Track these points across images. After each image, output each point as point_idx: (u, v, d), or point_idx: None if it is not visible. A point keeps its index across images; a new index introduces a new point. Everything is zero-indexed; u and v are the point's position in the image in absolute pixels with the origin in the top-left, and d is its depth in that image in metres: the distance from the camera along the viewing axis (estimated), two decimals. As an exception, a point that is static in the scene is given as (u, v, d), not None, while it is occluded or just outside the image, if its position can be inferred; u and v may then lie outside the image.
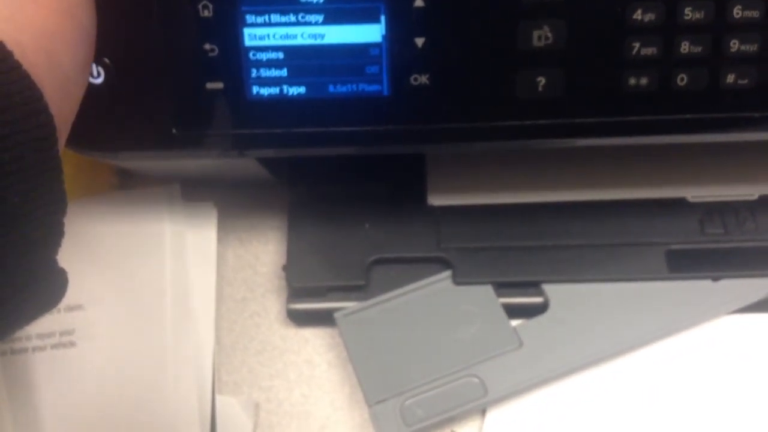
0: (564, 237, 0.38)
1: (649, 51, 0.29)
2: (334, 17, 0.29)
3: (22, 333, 0.36)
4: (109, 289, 0.37)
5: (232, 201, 0.41)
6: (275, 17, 0.29)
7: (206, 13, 0.29)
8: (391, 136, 0.31)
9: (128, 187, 0.40)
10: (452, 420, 0.35)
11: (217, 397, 0.36)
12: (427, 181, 0.40)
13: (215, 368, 0.37)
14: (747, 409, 0.36)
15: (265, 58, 0.30)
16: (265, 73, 0.30)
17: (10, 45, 0.21)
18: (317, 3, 0.29)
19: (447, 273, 0.38)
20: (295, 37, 0.30)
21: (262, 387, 0.38)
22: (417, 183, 0.40)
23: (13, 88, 0.21)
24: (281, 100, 0.30)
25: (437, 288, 0.38)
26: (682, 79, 0.30)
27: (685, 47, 0.29)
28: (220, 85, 0.30)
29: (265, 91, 0.30)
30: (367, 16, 0.29)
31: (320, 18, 0.29)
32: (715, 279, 0.37)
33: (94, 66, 0.30)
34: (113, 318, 0.36)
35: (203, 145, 0.31)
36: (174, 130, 0.30)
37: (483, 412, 0.36)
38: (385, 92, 0.30)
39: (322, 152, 0.32)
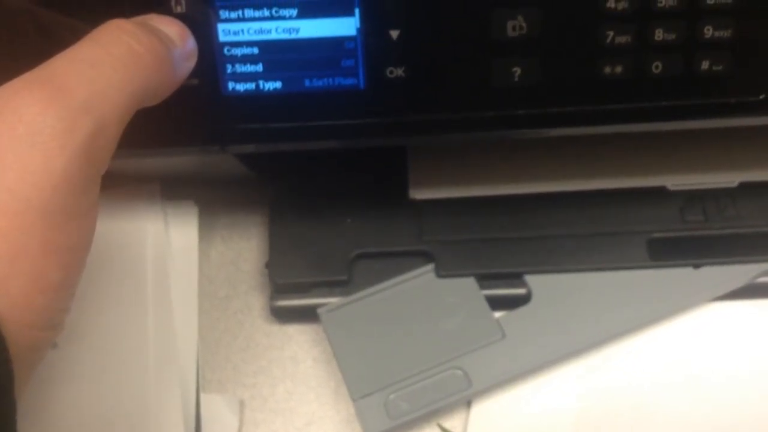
0: (546, 227, 0.38)
1: (623, 39, 0.29)
2: (308, 11, 0.29)
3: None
4: (90, 290, 0.37)
5: (213, 198, 0.41)
6: (249, 12, 0.29)
7: (179, 9, 0.29)
8: (368, 129, 0.31)
9: (107, 187, 0.40)
10: (437, 413, 0.35)
11: (202, 396, 0.36)
12: (409, 175, 0.40)
13: (199, 366, 0.37)
14: (729, 395, 0.36)
15: (240, 54, 0.30)
16: (240, 68, 0.30)
17: None
18: (291, -3, 0.29)
19: (430, 266, 0.38)
20: (269, 31, 0.30)
21: (247, 384, 0.38)
22: (398, 177, 0.40)
23: None
24: (257, 96, 0.30)
25: (420, 281, 0.38)
26: (657, 67, 0.30)
27: (659, 34, 0.29)
28: (195, 82, 0.30)
29: (241, 87, 0.30)
30: (341, 9, 0.29)
31: (294, 12, 0.29)
32: (697, 266, 0.37)
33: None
34: (95, 318, 0.36)
35: (179, 143, 0.31)
36: (149, 128, 0.30)
37: (468, 404, 0.36)
38: (362, 85, 0.30)
39: (300, 147, 0.32)
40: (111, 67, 0.25)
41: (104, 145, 0.24)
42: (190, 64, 0.28)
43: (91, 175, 0.24)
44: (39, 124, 0.23)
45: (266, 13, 0.29)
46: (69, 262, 0.24)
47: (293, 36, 0.30)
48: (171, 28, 0.28)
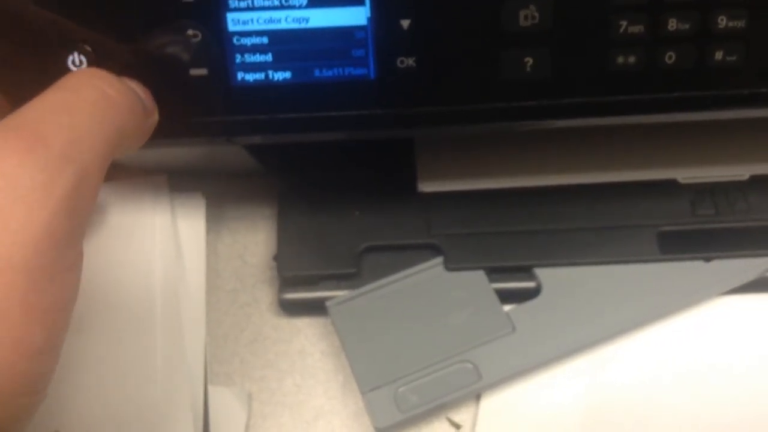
0: (555, 221, 0.38)
1: (636, 29, 0.29)
2: (318, 0, 0.29)
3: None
4: (98, 282, 0.36)
5: (220, 191, 0.41)
6: (259, 1, 0.29)
7: (188, -2, 0.29)
8: (378, 119, 0.31)
9: (116, 179, 0.40)
10: (447, 406, 0.35)
11: (210, 389, 0.36)
12: (417, 167, 0.40)
13: (207, 360, 0.37)
14: (739, 389, 0.36)
15: (249, 43, 0.30)
16: (249, 58, 0.30)
17: None
18: (301, -14, 0.29)
19: (438, 259, 0.38)
20: (279, 21, 0.29)
21: (255, 377, 0.37)
22: (407, 170, 0.40)
23: None
24: (267, 86, 0.30)
25: (429, 274, 0.37)
26: (670, 57, 0.30)
27: (672, 24, 0.29)
28: (204, 72, 0.30)
29: (250, 77, 0.30)
30: (351, -1, 0.29)
31: (304, 1, 0.29)
32: (707, 260, 0.37)
33: (76, 54, 0.29)
34: (102, 311, 0.36)
35: (188, 133, 0.31)
36: (158, 118, 0.30)
37: (477, 397, 0.36)
38: (372, 75, 0.30)
39: (309, 137, 0.32)
40: (86, 113, 0.24)
41: (87, 195, 0.23)
42: (154, 119, 0.28)
43: (74, 227, 0.23)
44: (18, 177, 0.21)
45: (276, 2, 0.29)
46: (53, 322, 0.23)
47: (303, 26, 0.29)
48: (133, 84, 0.28)
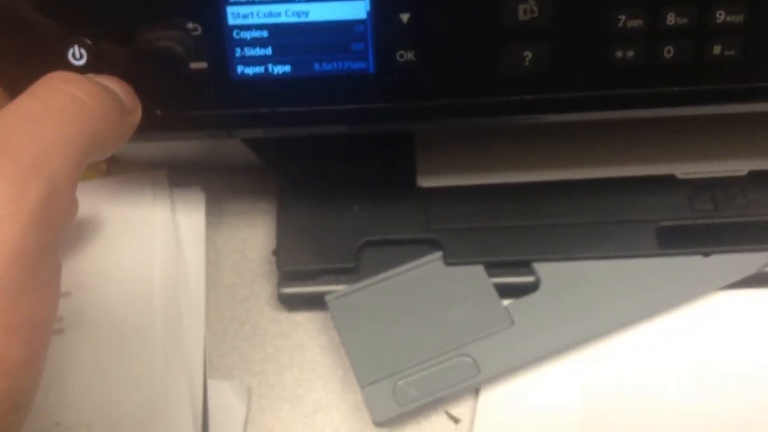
0: (554, 215, 0.38)
1: (635, 23, 0.29)
2: (318, -6, 0.29)
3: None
4: (98, 276, 0.37)
5: (220, 185, 0.41)
6: (258, -5, 0.29)
7: (188, -8, 0.29)
8: (377, 113, 0.31)
9: (116, 173, 0.40)
10: (445, 400, 0.35)
11: (209, 382, 0.36)
12: (417, 162, 0.40)
13: (206, 354, 0.37)
14: (737, 385, 0.36)
15: (249, 37, 0.30)
16: (249, 52, 0.30)
17: None
18: (301, -20, 0.29)
19: (438, 254, 0.38)
20: (279, 14, 0.29)
21: (254, 371, 0.37)
22: (406, 164, 0.40)
23: None
24: (266, 79, 0.30)
25: (428, 269, 0.37)
26: (668, 51, 0.30)
27: (671, 18, 0.29)
28: (203, 65, 0.30)
29: (250, 71, 0.30)
30: (351, -7, 0.29)
31: (304, -5, 0.29)
32: (706, 255, 0.37)
33: (76, 47, 0.29)
34: (102, 305, 0.36)
35: (187, 127, 0.31)
36: (158, 112, 0.30)
37: (476, 391, 0.36)
38: (371, 69, 0.30)
39: (308, 131, 0.32)
40: (56, 121, 0.23)
41: (59, 206, 0.23)
42: (136, 117, 0.28)
43: (48, 241, 0.22)
44: None
45: (276, -5, 0.29)
46: (32, 338, 0.22)
47: (303, 19, 0.29)
48: (112, 82, 0.27)
